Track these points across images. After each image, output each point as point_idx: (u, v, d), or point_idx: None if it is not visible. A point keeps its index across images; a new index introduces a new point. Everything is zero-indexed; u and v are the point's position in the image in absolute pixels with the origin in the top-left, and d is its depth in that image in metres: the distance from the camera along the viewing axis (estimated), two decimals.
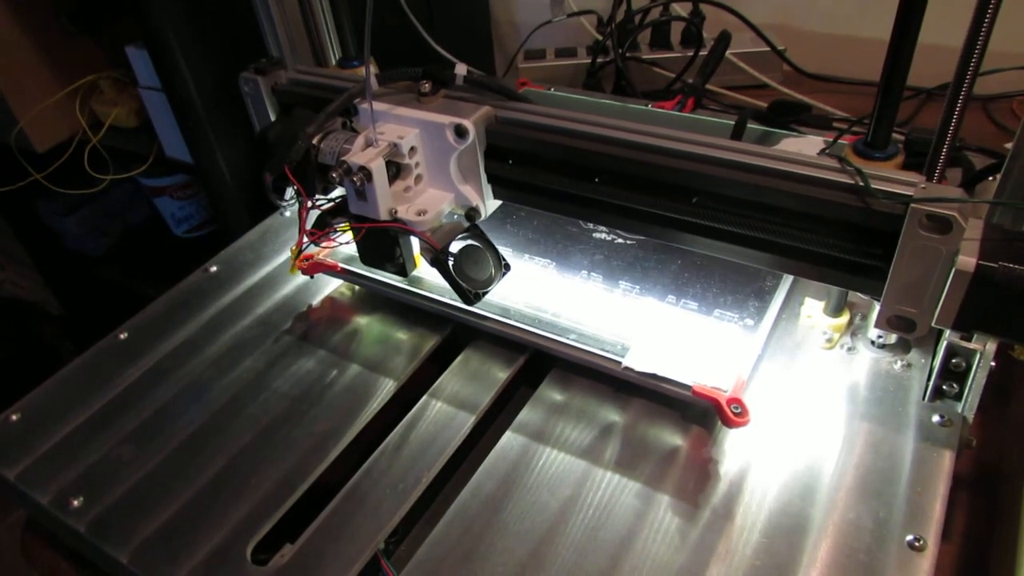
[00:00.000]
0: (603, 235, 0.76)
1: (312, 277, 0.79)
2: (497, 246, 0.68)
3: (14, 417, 0.69)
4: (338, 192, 0.68)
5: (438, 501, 0.63)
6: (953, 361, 0.58)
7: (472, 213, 0.66)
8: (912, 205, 0.48)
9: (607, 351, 0.63)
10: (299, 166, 0.64)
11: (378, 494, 0.59)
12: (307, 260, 0.77)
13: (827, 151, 0.62)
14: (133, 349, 0.75)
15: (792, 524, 0.54)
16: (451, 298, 0.69)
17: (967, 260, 0.47)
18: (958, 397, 0.59)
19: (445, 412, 0.65)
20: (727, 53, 1.01)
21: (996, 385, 0.57)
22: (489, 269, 0.67)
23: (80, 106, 1.16)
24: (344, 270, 0.75)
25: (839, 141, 0.65)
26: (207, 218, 1.45)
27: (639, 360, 0.61)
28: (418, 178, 0.66)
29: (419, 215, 0.64)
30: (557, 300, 0.69)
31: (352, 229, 0.68)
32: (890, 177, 0.51)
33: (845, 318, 0.66)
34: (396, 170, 0.64)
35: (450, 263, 0.64)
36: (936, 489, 0.54)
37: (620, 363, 0.62)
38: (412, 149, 0.64)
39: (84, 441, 0.66)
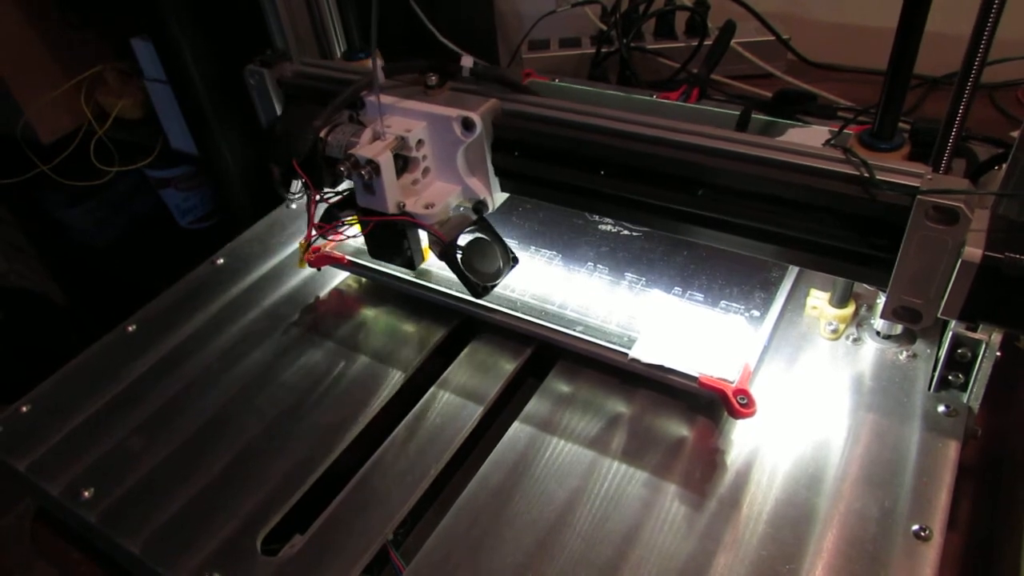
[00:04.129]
0: (609, 227, 0.76)
1: (319, 270, 0.79)
2: (503, 238, 0.68)
3: (24, 409, 0.69)
4: (346, 184, 0.67)
5: (446, 492, 0.63)
6: (959, 351, 0.58)
7: (479, 206, 0.66)
8: (919, 196, 0.48)
9: (613, 343, 0.63)
10: (307, 159, 0.64)
11: (387, 485, 0.59)
12: (314, 252, 0.77)
13: (832, 141, 0.62)
14: (141, 341, 0.75)
15: (798, 514, 0.54)
16: (458, 290, 0.70)
17: (973, 251, 0.47)
18: (964, 387, 0.59)
19: (452, 403, 0.65)
20: (732, 43, 1.01)
21: (1002, 375, 0.57)
22: (497, 262, 0.67)
23: (85, 98, 1.16)
24: (351, 262, 0.75)
25: (844, 131, 0.65)
26: (212, 209, 1.45)
27: (645, 351, 0.62)
28: (425, 171, 0.65)
29: (427, 208, 0.63)
30: (563, 292, 0.69)
31: (360, 223, 0.68)
32: (896, 168, 0.51)
33: (851, 309, 0.66)
34: (403, 163, 0.64)
35: (458, 256, 0.64)
36: (942, 479, 0.54)
37: (626, 354, 0.62)
38: (419, 142, 0.63)
39: (94, 433, 0.67)
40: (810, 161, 0.53)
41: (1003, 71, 0.96)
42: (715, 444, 0.60)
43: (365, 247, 0.73)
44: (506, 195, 0.68)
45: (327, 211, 0.69)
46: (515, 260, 0.68)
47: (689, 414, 0.62)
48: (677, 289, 0.68)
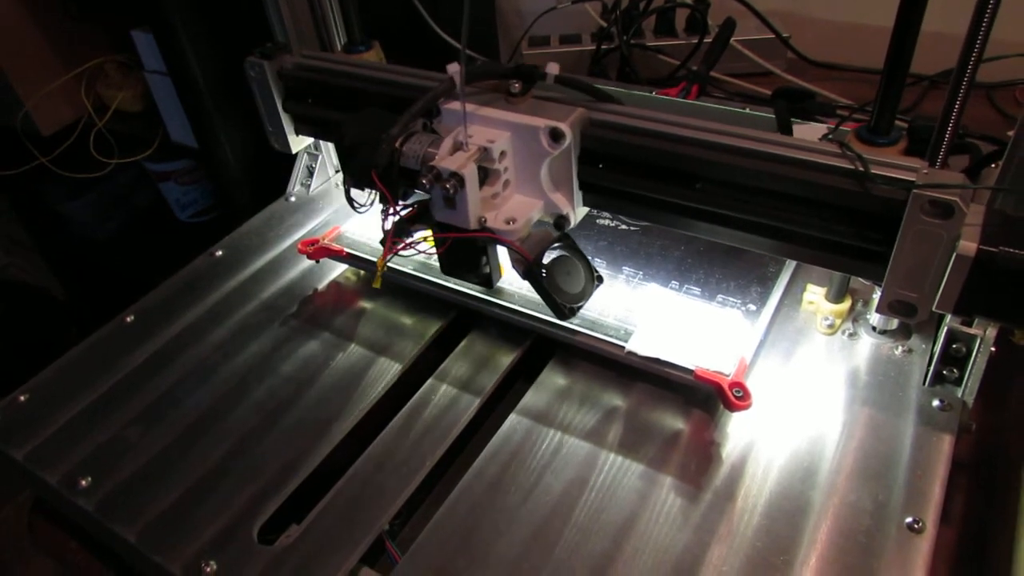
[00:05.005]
0: (607, 221, 0.76)
1: (318, 262, 0.79)
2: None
3: (22, 398, 0.70)
4: (414, 197, 0.65)
5: (442, 483, 0.64)
6: (953, 346, 0.59)
7: (561, 221, 0.63)
8: (914, 191, 0.48)
9: (610, 336, 0.63)
10: (384, 171, 0.61)
11: (383, 476, 0.60)
12: (312, 245, 0.77)
13: (830, 137, 0.62)
14: (140, 332, 0.76)
15: (793, 506, 0.54)
16: (456, 284, 0.70)
17: (968, 245, 0.47)
18: (958, 382, 0.60)
19: (450, 395, 0.65)
20: (731, 40, 1.01)
21: (996, 370, 0.58)
22: (581, 281, 0.64)
23: (85, 90, 1.16)
24: (349, 255, 0.76)
25: (842, 128, 0.65)
26: (212, 203, 1.45)
27: (642, 344, 0.62)
28: (505, 183, 0.61)
29: (508, 224, 0.60)
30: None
31: (435, 239, 0.65)
32: (892, 163, 0.51)
33: (847, 304, 0.66)
34: (484, 175, 0.60)
35: (543, 276, 0.61)
36: (936, 472, 0.54)
37: (623, 348, 0.62)
38: (502, 153, 0.60)
39: (92, 422, 0.67)
40: (807, 155, 0.54)
41: (1001, 71, 0.96)
42: (711, 437, 0.60)
43: (371, 241, 0.73)
44: (587, 209, 0.65)
45: (397, 225, 0.66)
46: (599, 279, 0.65)
47: (685, 407, 0.62)
48: (674, 283, 0.68)
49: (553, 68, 0.61)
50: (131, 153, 1.21)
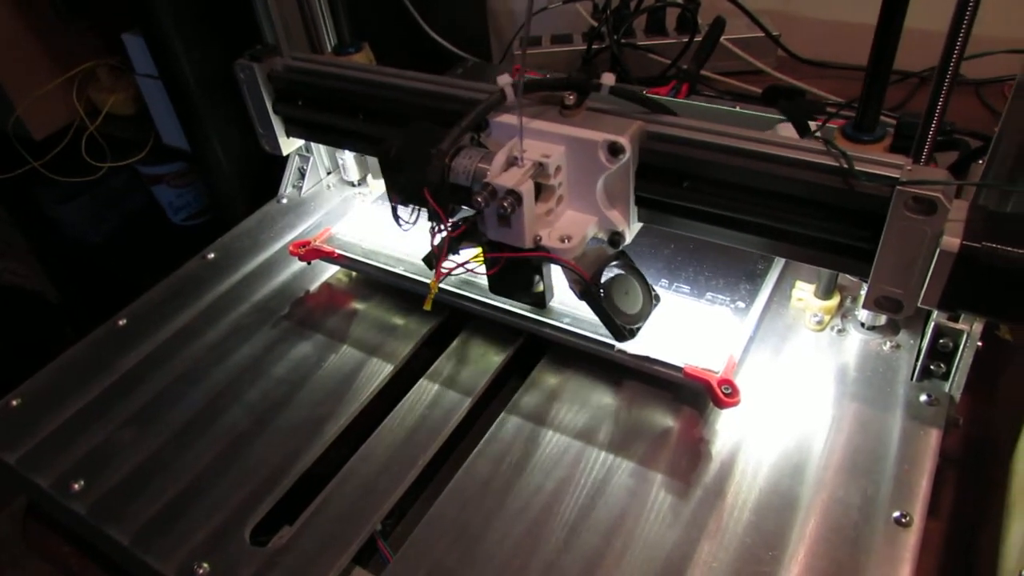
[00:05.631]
0: None
1: (309, 263, 0.80)
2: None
3: (14, 402, 0.70)
4: (460, 213, 0.63)
5: (434, 483, 0.64)
6: (941, 342, 0.59)
7: (616, 238, 0.61)
8: (898, 187, 0.48)
9: (601, 334, 0.64)
10: (435, 188, 0.58)
11: (375, 476, 0.60)
12: (304, 246, 0.77)
13: (816, 134, 0.63)
14: (132, 335, 0.76)
15: (782, 502, 0.55)
16: (447, 284, 0.70)
17: (951, 240, 0.47)
18: (945, 377, 0.60)
19: (441, 395, 0.66)
20: (722, 39, 1.01)
21: (983, 365, 0.58)
22: (639, 300, 0.62)
23: (77, 93, 1.16)
24: (341, 256, 0.76)
25: (829, 125, 0.66)
26: (205, 206, 1.45)
27: (632, 343, 0.62)
28: (559, 200, 0.59)
29: (563, 241, 0.58)
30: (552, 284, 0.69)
31: (486, 259, 0.62)
32: (877, 160, 0.51)
33: (835, 300, 0.66)
34: (537, 191, 0.58)
35: (601, 296, 0.59)
36: (923, 466, 0.55)
37: (613, 346, 0.63)
38: (557, 168, 0.57)
39: (84, 425, 0.67)
40: (793, 153, 0.54)
41: (990, 68, 0.96)
42: (700, 434, 0.60)
43: (362, 242, 0.73)
44: (641, 225, 0.63)
45: (448, 243, 0.63)
46: (657, 298, 0.64)
47: (675, 405, 0.63)
48: (664, 281, 0.69)
49: (608, 79, 0.58)
50: (123, 156, 1.21)
